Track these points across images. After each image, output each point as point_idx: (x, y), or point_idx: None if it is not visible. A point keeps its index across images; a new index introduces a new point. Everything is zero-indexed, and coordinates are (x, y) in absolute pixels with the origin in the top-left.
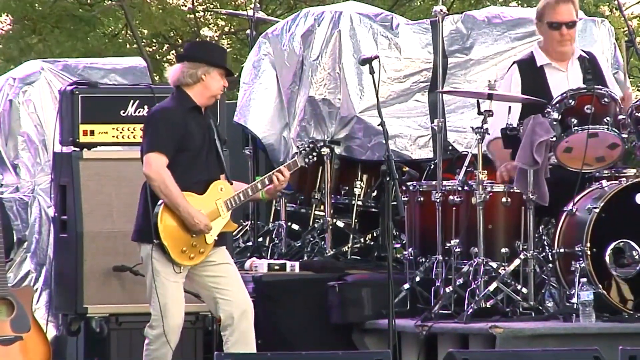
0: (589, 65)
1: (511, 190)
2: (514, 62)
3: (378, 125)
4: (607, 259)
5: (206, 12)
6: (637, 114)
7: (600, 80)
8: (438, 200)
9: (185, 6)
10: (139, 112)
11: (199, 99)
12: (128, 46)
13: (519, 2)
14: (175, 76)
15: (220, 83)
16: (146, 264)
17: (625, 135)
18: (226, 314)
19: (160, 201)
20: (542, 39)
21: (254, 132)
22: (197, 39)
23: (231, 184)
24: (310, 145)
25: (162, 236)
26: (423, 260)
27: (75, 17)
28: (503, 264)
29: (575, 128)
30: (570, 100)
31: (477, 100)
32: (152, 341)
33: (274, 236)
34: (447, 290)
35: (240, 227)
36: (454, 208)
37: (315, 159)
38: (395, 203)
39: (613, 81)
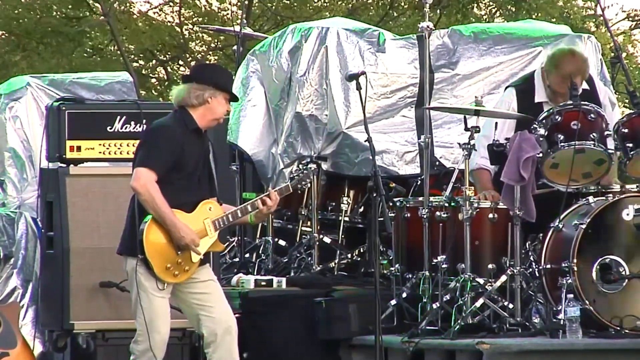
0: (589, 89)
1: (498, 206)
2: (510, 86)
3: (365, 141)
4: (593, 275)
5: (194, 27)
6: (623, 130)
7: (595, 100)
8: (425, 216)
9: (173, 21)
10: (125, 128)
11: (201, 121)
12: (115, 60)
13: (504, 18)
14: (180, 96)
15: (224, 107)
16: (131, 278)
17: (612, 151)
18: (209, 330)
19: (146, 217)
20: (547, 75)
21: (243, 149)
22: (199, 58)
23: (221, 204)
24: (305, 172)
25: (147, 252)
26: (410, 276)
27: (60, 33)
28: (490, 280)
29: (562, 144)
30: (557, 116)
31: (464, 116)
32: (137, 357)
33: (260, 252)
34: (434, 306)
35: (227, 243)
36: (441, 224)
37: (308, 185)
38: (382, 219)
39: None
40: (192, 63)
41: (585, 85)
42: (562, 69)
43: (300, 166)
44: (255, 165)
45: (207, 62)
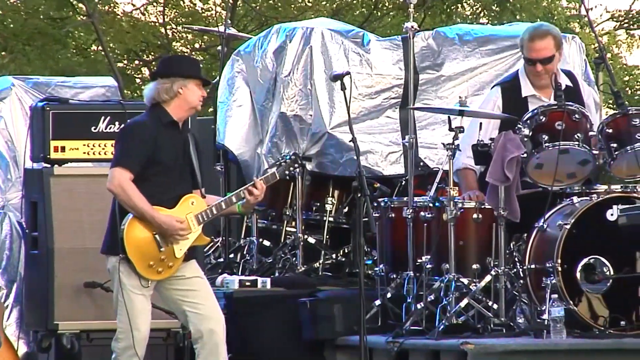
0: (572, 86)
1: (482, 206)
2: (496, 85)
3: (349, 141)
4: (578, 275)
5: (177, 27)
6: (607, 130)
7: (579, 100)
8: (409, 216)
9: (157, 21)
10: (110, 128)
11: (178, 113)
12: (99, 61)
13: (489, 19)
14: (150, 94)
15: (197, 94)
16: (112, 276)
17: (596, 152)
18: (196, 327)
19: (127, 216)
20: (524, 52)
21: (229, 149)
22: (169, 54)
23: (204, 197)
24: (292, 157)
25: (127, 251)
26: (394, 276)
27: (46, 35)
28: (474, 280)
29: (546, 144)
30: (541, 117)
31: (448, 117)
32: (118, 355)
33: (245, 252)
34: (419, 306)
35: (212, 244)
36: (425, 224)
37: (297, 170)
38: (366, 219)
39: (591, 102)
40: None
41: (568, 82)
42: (534, 33)
43: (287, 153)
44: (240, 165)
45: (171, 54)
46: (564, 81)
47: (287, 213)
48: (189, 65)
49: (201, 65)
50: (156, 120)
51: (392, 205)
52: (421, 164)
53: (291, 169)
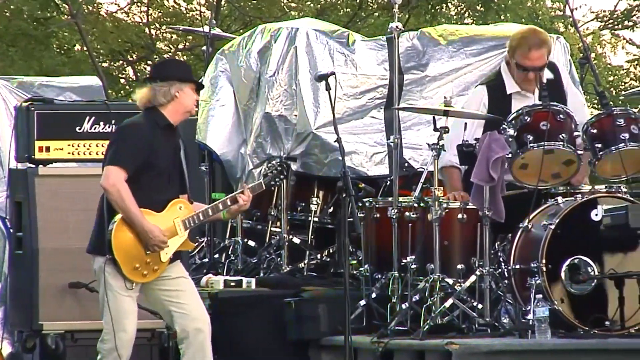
0: (553, 78)
1: (467, 206)
2: (481, 84)
3: (334, 141)
4: (562, 275)
5: (161, 27)
6: (592, 130)
7: (560, 91)
8: (394, 216)
9: (141, 22)
10: (94, 129)
11: (173, 117)
12: (83, 61)
13: (474, 19)
14: (146, 98)
15: (193, 98)
16: (99, 277)
17: (581, 152)
18: (182, 327)
19: (115, 217)
20: (512, 55)
21: (212, 149)
22: (165, 57)
23: (192, 203)
24: (278, 169)
25: (115, 252)
26: (379, 276)
27: (30, 36)
28: (459, 280)
29: (531, 144)
30: (526, 117)
31: (433, 117)
32: (104, 356)
33: (230, 253)
34: (403, 306)
35: (197, 244)
36: (410, 224)
37: (281, 182)
38: (351, 219)
39: (575, 91)
40: None
41: (550, 75)
42: (531, 42)
43: (274, 163)
44: (224, 166)
45: (165, 58)
46: (546, 74)
47: (272, 213)
48: (185, 69)
49: None
50: (152, 123)
51: (377, 206)
52: (406, 164)
53: (277, 179)
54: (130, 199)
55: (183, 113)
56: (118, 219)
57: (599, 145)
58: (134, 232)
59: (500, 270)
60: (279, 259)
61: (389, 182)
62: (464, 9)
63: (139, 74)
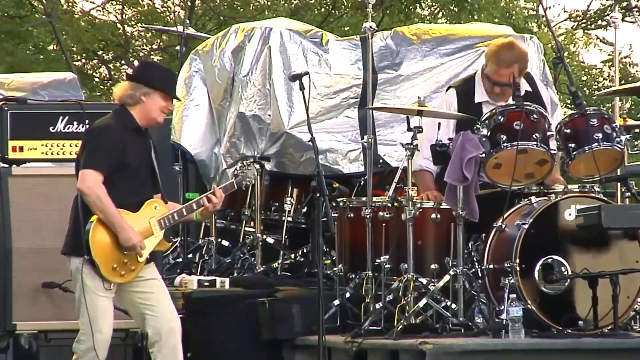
0: (531, 90)
1: (441, 206)
2: (451, 87)
3: (308, 141)
4: (536, 275)
5: (136, 25)
6: (565, 130)
7: (539, 102)
8: (368, 216)
9: (116, 20)
10: (68, 128)
11: (140, 120)
12: (57, 60)
13: (448, 18)
14: (117, 93)
15: (159, 105)
16: (75, 277)
17: (554, 152)
18: (154, 330)
19: (92, 218)
20: (487, 66)
21: (186, 148)
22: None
23: (166, 203)
24: (249, 169)
25: (93, 253)
26: (353, 276)
27: (5, 33)
28: (433, 280)
29: (505, 144)
30: (500, 117)
31: (407, 117)
32: (80, 356)
33: (203, 252)
34: (377, 306)
35: (171, 244)
36: (384, 224)
37: (252, 182)
38: (325, 219)
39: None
40: (135, 62)
41: (527, 87)
42: (501, 59)
43: (245, 163)
44: (197, 165)
45: (151, 60)
46: (524, 86)
47: (246, 213)
48: (159, 75)
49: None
50: (122, 124)
51: (351, 205)
52: (380, 161)
53: (248, 179)
54: (108, 201)
55: (149, 119)
56: (95, 220)
57: (573, 145)
58: (111, 233)
59: (474, 270)
60: (252, 258)
61: (362, 182)
62: (438, 8)
63: (113, 73)
